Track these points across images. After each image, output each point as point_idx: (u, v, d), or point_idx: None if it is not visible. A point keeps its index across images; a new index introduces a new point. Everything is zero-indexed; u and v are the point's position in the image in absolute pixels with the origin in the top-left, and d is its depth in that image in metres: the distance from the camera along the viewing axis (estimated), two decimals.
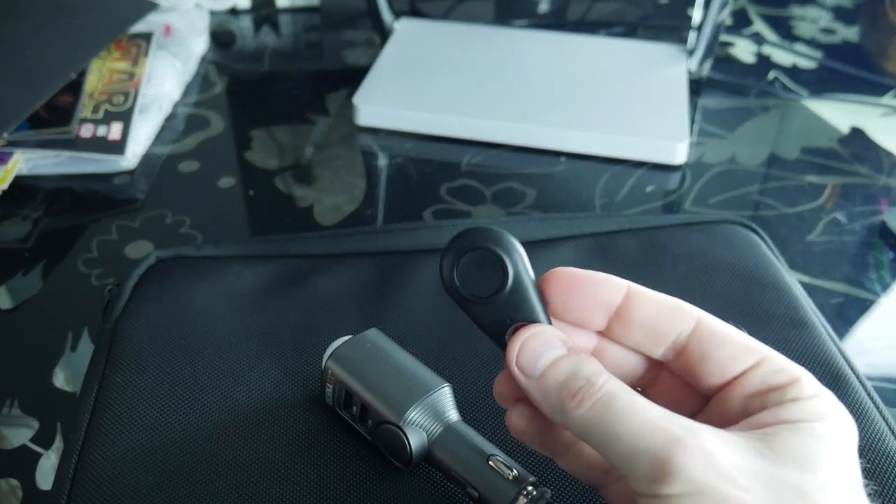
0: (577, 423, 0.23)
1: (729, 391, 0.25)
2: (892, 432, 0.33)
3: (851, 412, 0.33)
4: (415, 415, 0.29)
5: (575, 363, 0.24)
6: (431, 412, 0.30)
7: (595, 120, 0.59)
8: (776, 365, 0.24)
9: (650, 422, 0.22)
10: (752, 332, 0.36)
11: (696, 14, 0.80)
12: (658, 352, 0.26)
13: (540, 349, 0.25)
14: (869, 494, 0.23)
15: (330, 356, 0.32)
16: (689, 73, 0.66)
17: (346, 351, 0.32)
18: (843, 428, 0.23)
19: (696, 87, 0.67)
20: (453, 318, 0.37)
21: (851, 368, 0.35)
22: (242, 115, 0.63)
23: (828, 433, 0.23)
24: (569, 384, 0.24)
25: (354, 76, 0.64)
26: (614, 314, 0.26)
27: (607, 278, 0.26)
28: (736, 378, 0.25)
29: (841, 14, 0.82)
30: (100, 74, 0.62)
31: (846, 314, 0.46)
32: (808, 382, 0.24)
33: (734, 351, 0.25)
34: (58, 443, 0.37)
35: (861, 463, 0.23)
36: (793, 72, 0.71)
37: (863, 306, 0.46)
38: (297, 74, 0.69)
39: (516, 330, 0.25)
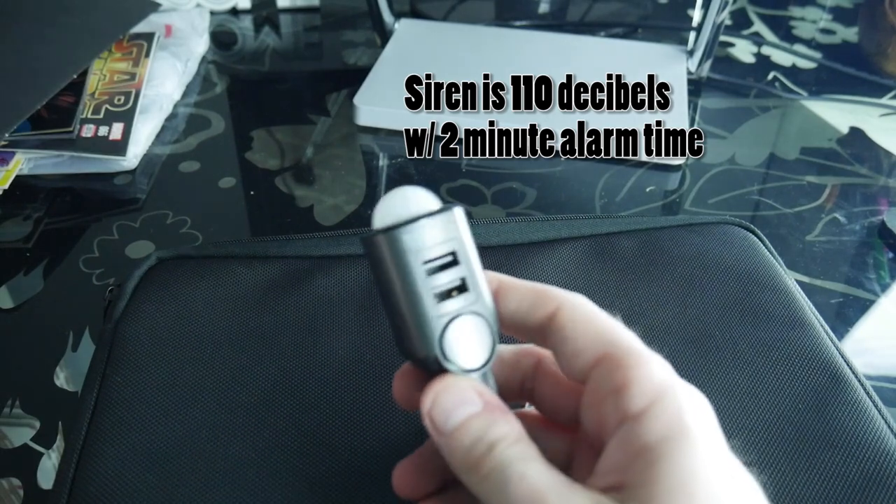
0: (476, 490, 0.22)
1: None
2: (892, 432, 0.33)
3: (851, 412, 0.33)
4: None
5: (485, 425, 0.22)
6: None
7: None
8: (614, 361, 0.22)
9: (522, 495, 0.21)
10: (751, 333, 0.36)
11: (696, 14, 0.80)
12: (528, 335, 0.25)
13: (452, 406, 0.23)
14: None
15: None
16: (689, 73, 0.66)
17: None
18: (684, 445, 0.20)
19: (696, 87, 0.67)
20: None
21: (851, 368, 0.35)
22: (243, 116, 0.63)
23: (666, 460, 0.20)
24: (472, 451, 0.22)
25: (354, 76, 0.64)
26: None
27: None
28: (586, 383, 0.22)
29: (840, 14, 0.82)
30: (101, 75, 0.62)
31: (845, 314, 0.46)
32: (636, 388, 0.21)
33: (577, 346, 0.22)
34: (59, 442, 0.38)
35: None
36: (792, 72, 0.72)
37: (862, 306, 0.47)
38: (297, 74, 0.69)
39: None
